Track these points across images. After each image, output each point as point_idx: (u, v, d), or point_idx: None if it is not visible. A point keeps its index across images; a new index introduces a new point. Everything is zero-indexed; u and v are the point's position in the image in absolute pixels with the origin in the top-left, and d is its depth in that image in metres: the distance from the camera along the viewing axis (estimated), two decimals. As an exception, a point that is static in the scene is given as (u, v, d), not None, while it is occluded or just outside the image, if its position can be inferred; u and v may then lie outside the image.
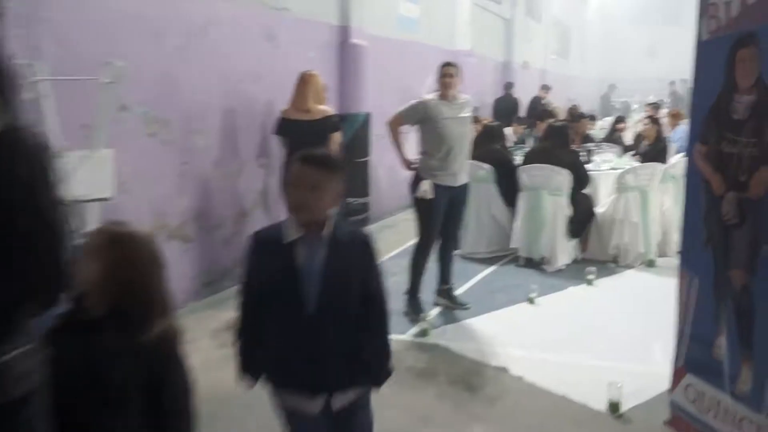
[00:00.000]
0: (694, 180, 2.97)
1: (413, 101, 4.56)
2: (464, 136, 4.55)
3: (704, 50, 2.91)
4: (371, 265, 2.06)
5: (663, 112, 10.18)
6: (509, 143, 8.21)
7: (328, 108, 5.14)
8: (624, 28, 24.24)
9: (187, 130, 4.85)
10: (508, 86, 11.99)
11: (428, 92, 4.68)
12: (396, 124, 4.58)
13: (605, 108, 18.73)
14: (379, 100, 6.96)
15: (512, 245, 5.97)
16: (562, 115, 9.93)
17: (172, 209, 4.75)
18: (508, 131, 9.14)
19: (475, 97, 10.29)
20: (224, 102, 5.22)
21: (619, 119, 9.14)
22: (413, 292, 4.72)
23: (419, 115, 4.47)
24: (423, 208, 4.55)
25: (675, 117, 8.80)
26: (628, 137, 8.82)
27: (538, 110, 8.86)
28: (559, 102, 12.98)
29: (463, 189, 4.68)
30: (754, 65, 2.60)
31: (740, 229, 2.68)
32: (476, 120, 6.93)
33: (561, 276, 5.65)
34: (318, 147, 4.72)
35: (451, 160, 4.46)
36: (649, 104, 10.61)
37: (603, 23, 23.76)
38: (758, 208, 2.59)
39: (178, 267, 4.75)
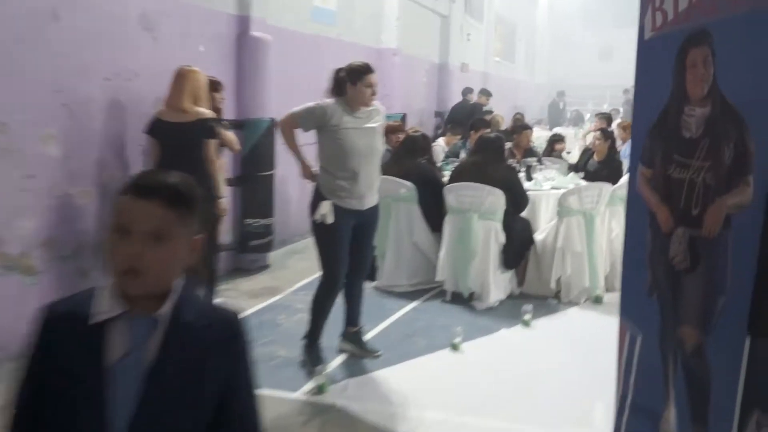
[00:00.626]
0: (636, 211, 2.67)
1: (311, 103, 4.16)
2: (373, 150, 4.18)
3: (647, 51, 2.63)
4: (239, 369, 1.46)
5: (615, 124, 10.11)
6: (441, 156, 7.94)
7: (206, 110, 4.71)
8: (575, 29, 24.60)
9: (34, 136, 4.35)
10: (466, 91, 11.83)
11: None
12: (289, 125, 4.20)
13: (554, 117, 18.83)
14: (287, 104, 6.48)
15: (437, 278, 5.66)
16: (505, 124, 9.76)
17: (10, 234, 4.24)
18: (440, 142, 8.90)
19: (402, 102, 10.09)
20: (86, 103, 4.73)
21: (557, 138, 8.79)
22: (313, 337, 4.32)
23: (316, 121, 4.09)
24: (324, 235, 4.16)
25: (626, 129, 8.69)
26: (575, 153, 8.65)
27: (474, 119, 8.60)
28: (503, 110, 12.88)
29: (373, 213, 4.32)
30: (708, 70, 2.31)
31: (692, 275, 2.38)
32: (398, 129, 6.63)
33: (493, 315, 5.36)
34: (189, 155, 4.40)
35: (357, 179, 4.09)
36: (600, 114, 10.53)
37: (552, 24, 24.04)
38: (713, 249, 2.28)
39: (19, 306, 4.23)
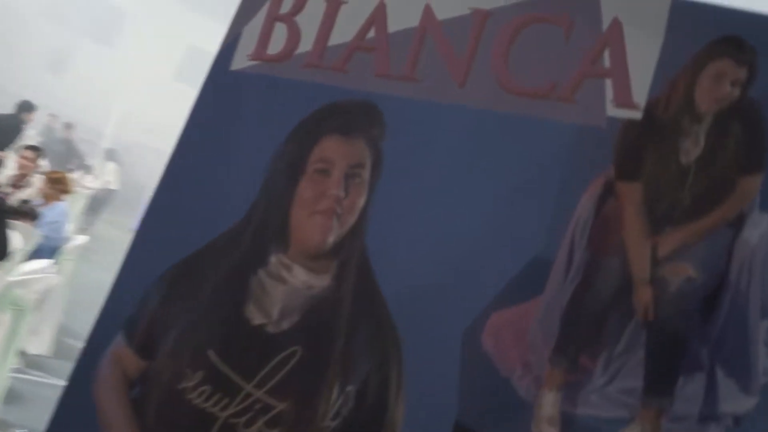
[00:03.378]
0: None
1: None
2: None
3: (229, 95, 1.75)
4: None
5: (45, 166, 9.41)
6: None
7: None
8: (25, 16, 23.80)
9: None
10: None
11: None
12: None
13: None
14: None
15: None
16: None
17: None
18: None
19: None
20: None
21: None
22: None
23: None
24: None
25: (57, 184, 7.80)
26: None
27: None
28: None
29: None
30: (355, 193, 1.54)
31: None
32: None
33: None
34: None
35: None
36: (28, 148, 9.67)
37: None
38: None
39: None
